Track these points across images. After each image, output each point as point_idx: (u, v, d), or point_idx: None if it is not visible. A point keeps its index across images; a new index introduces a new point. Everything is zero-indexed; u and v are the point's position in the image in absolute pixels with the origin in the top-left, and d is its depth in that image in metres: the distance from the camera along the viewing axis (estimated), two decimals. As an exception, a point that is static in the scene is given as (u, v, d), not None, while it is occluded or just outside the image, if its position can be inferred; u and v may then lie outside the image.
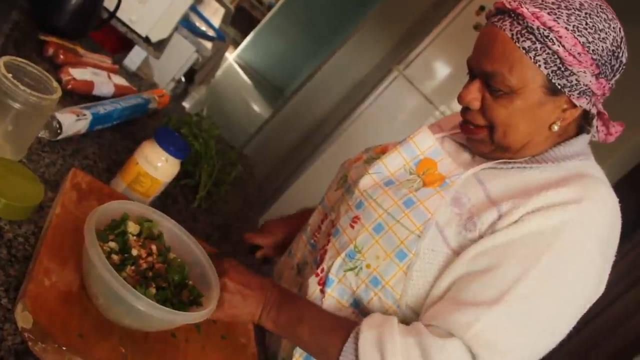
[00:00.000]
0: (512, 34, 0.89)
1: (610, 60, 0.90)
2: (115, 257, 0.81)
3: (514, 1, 0.91)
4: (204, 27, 2.60)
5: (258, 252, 1.30)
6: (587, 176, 0.94)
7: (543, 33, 0.87)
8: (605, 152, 1.04)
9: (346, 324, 0.94)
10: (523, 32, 0.88)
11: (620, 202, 0.95)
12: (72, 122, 1.11)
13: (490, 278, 0.87)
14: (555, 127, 0.94)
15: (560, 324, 0.89)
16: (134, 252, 0.83)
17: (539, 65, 0.88)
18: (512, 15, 0.90)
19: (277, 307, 0.96)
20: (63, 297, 0.75)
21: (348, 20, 6.39)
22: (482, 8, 3.08)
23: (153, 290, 0.80)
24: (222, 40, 2.86)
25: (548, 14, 0.87)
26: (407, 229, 0.95)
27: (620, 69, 0.93)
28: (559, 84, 0.89)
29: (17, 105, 0.87)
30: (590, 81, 0.89)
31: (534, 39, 0.88)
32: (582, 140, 0.99)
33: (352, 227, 1.01)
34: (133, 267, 0.81)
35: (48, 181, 0.98)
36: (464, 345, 0.84)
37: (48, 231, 0.83)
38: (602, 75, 0.90)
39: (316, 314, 0.98)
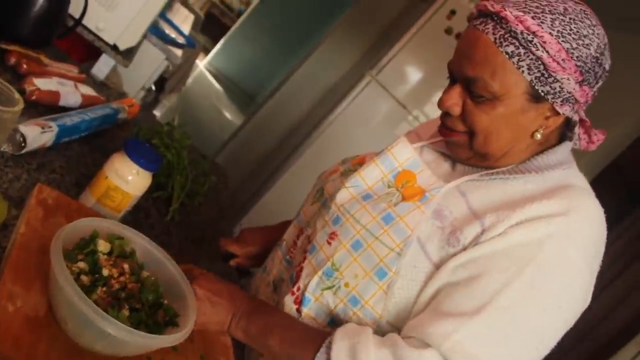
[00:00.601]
0: (495, 38, 0.86)
1: (594, 67, 0.88)
2: (84, 278, 0.76)
3: (497, 4, 0.87)
4: (173, 34, 2.56)
5: (232, 260, 1.25)
6: (572, 187, 0.91)
7: (527, 38, 0.84)
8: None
9: (318, 334, 0.90)
10: (506, 36, 0.85)
11: None
12: (37, 134, 1.06)
13: (471, 289, 0.84)
14: (538, 135, 0.92)
15: (544, 336, 0.86)
16: (105, 272, 0.78)
17: (522, 71, 0.86)
18: (495, 18, 0.87)
19: (247, 317, 0.93)
20: (29, 323, 0.70)
21: (319, 25, 6.39)
22: (452, 12, 3.09)
23: (126, 312, 0.76)
24: (193, 47, 2.81)
25: (532, 18, 0.84)
26: (387, 247, 0.91)
27: (603, 76, 0.91)
28: (542, 91, 0.87)
29: (-25, 119, 0.82)
30: (574, 88, 0.87)
31: (517, 44, 0.85)
32: (565, 149, 0.97)
33: (329, 243, 0.97)
34: (104, 289, 0.77)
35: (12, 198, 0.93)
36: (441, 356, 0.81)
37: (12, 252, 0.78)
38: (586, 83, 0.88)
39: (287, 324, 0.95)
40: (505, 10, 0.85)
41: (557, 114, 0.91)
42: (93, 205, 1.02)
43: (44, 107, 1.26)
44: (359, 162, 1.10)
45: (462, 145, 0.96)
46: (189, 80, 5.83)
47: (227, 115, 6.79)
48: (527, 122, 0.91)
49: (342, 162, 1.17)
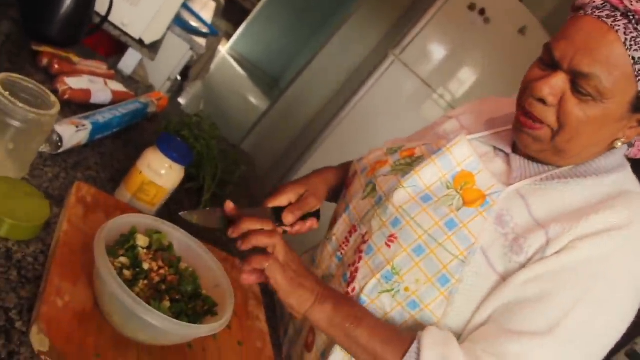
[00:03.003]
0: (626, 39, 0.80)
1: None
2: (127, 272, 0.80)
3: (637, 1, 0.81)
4: (196, 24, 2.58)
5: (283, 216, 1.04)
6: (630, 194, 0.90)
7: None
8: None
9: (407, 336, 0.88)
10: (638, 39, 0.80)
11: None
12: (73, 133, 1.09)
13: (542, 307, 0.84)
14: (619, 144, 0.90)
15: (606, 347, 0.87)
16: (145, 265, 0.82)
17: (638, 80, 0.82)
18: (630, 17, 0.81)
19: (334, 302, 0.88)
20: (77, 316, 0.74)
21: (340, 4, 6.34)
22: (475, -13, 3.06)
23: (167, 304, 0.80)
24: (216, 35, 2.83)
25: None
26: (451, 254, 0.90)
27: None
28: None
29: (16, 124, 0.85)
30: None
31: None
32: (620, 151, 0.95)
33: (389, 246, 0.95)
34: (146, 282, 0.80)
35: (52, 196, 0.97)
36: None
37: (57, 249, 0.82)
38: None
39: (375, 319, 0.92)
40: None
41: (638, 125, 0.89)
42: (129, 200, 1.06)
43: (77, 105, 1.30)
44: (409, 154, 1.07)
45: (540, 139, 0.91)
46: (212, 67, 5.86)
47: (252, 100, 6.82)
48: (616, 130, 0.89)
49: (389, 152, 1.12)
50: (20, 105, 0.84)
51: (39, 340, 0.69)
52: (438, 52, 3.25)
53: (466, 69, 3.30)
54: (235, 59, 7.71)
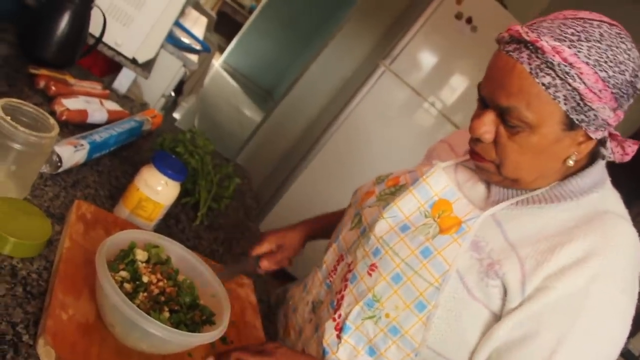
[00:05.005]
0: (531, 68, 0.83)
1: (628, 90, 0.86)
2: (127, 285, 0.84)
3: (532, 32, 0.84)
4: (188, 41, 2.62)
5: (260, 262, 1.24)
6: (606, 215, 0.91)
7: (564, 69, 0.82)
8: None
9: None
10: (542, 66, 0.83)
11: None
12: (71, 153, 1.13)
13: (528, 350, 0.86)
14: (571, 162, 0.91)
15: None
16: (145, 278, 0.86)
17: (559, 102, 0.83)
18: (530, 47, 0.84)
19: None
20: (81, 328, 0.78)
21: (331, 16, 6.42)
22: (462, -3, 3.12)
23: (167, 314, 0.83)
24: (208, 52, 2.88)
25: (568, 47, 0.82)
26: (426, 281, 0.93)
27: (635, 95, 0.88)
28: (577, 119, 0.85)
29: (17, 146, 0.90)
30: (609, 115, 0.86)
31: (554, 75, 0.82)
32: (599, 169, 0.95)
33: (370, 275, 0.99)
34: (145, 294, 0.84)
35: (54, 215, 1.01)
36: None
37: (59, 265, 0.86)
38: (620, 108, 0.87)
39: None
40: (540, 39, 0.83)
41: (590, 138, 0.89)
42: (127, 216, 1.09)
43: (74, 126, 1.34)
44: (394, 184, 1.10)
45: (493, 172, 0.95)
46: (206, 81, 5.91)
47: (247, 112, 6.87)
48: (561, 150, 0.90)
49: (377, 182, 1.16)
50: (22, 129, 0.88)
51: (45, 352, 0.73)
52: (427, 61, 3.31)
53: (456, 76, 3.35)
54: (229, 73, 7.77)
